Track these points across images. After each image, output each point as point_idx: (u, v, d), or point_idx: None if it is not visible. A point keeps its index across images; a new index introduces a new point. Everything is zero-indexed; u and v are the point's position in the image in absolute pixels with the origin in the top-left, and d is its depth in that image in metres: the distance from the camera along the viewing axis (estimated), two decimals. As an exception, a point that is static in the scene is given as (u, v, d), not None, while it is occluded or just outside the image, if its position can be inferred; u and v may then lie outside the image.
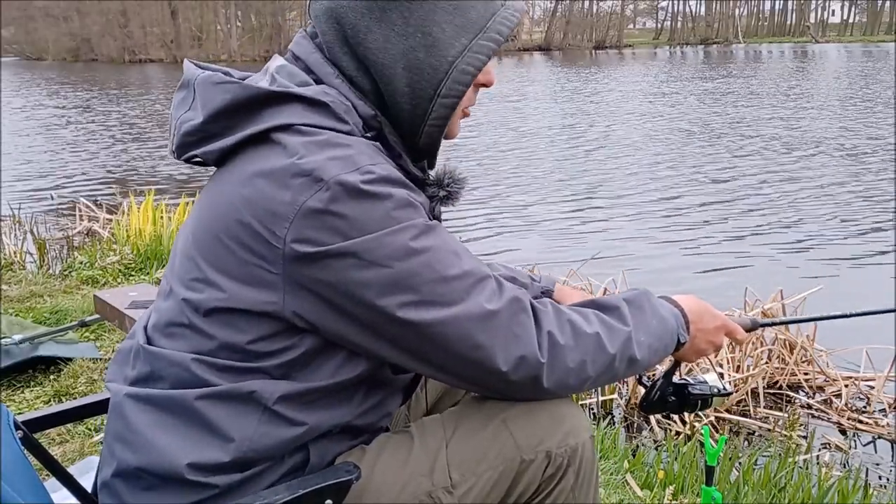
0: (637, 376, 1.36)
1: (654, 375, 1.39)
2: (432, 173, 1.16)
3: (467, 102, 1.12)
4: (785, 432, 3.19)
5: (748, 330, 1.38)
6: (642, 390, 1.39)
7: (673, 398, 1.35)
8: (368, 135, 1.05)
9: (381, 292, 0.97)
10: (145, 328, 1.11)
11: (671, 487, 2.33)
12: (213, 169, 1.10)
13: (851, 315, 1.51)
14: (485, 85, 1.12)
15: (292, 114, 1.00)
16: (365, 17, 1.03)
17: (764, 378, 3.54)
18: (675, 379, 1.37)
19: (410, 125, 1.08)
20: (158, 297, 1.12)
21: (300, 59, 1.09)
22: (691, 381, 1.37)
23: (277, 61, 1.10)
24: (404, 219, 0.97)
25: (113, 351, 3.18)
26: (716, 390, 1.37)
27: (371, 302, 0.97)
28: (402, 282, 0.97)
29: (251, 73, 1.12)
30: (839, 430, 3.31)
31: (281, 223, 0.95)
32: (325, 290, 0.97)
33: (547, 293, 1.43)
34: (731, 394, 1.42)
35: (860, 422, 3.33)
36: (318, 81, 1.06)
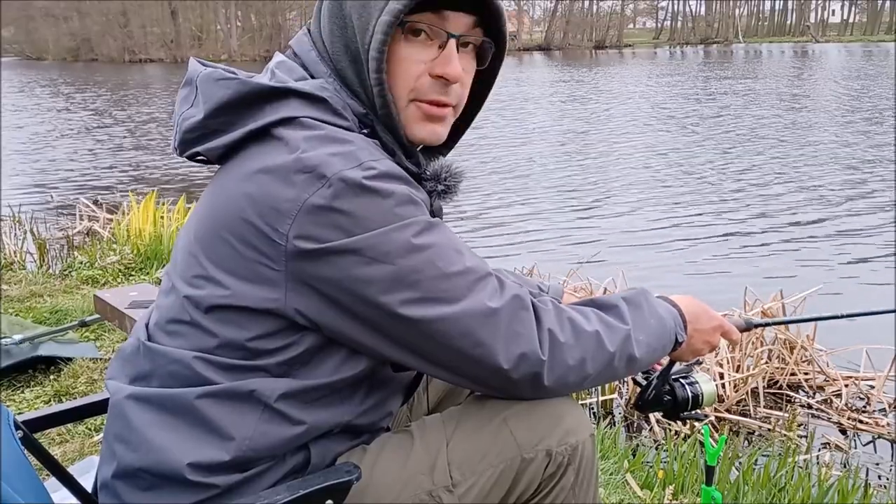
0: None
1: (648, 375, 1.40)
2: (429, 168, 1.15)
3: (419, 89, 1.07)
4: (785, 432, 3.19)
5: (742, 330, 1.39)
6: (638, 389, 1.39)
7: (668, 397, 1.36)
8: (365, 131, 1.06)
9: (384, 289, 0.97)
10: (146, 325, 1.11)
11: (671, 487, 2.33)
12: (215, 168, 1.10)
13: (844, 316, 1.51)
14: (443, 77, 1.07)
15: (292, 108, 1.01)
16: (326, 18, 1.09)
17: (764, 378, 3.54)
18: (671, 378, 1.37)
19: (385, 119, 1.07)
20: (160, 295, 1.11)
21: (299, 55, 1.11)
22: (685, 381, 1.37)
23: (278, 58, 1.12)
24: (407, 215, 0.97)
25: (113, 351, 3.18)
26: (709, 389, 1.38)
27: (373, 299, 0.97)
28: (404, 278, 0.97)
29: (255, 73, 1.13)
30: (839, 430, 3.31)
31: (283, 220, 0.95)
32: (327, 287, 0.97)
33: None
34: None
35: (860, 421, 3.33)
36: (314, 78, 1.08)
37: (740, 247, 6.33)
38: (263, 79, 1.06)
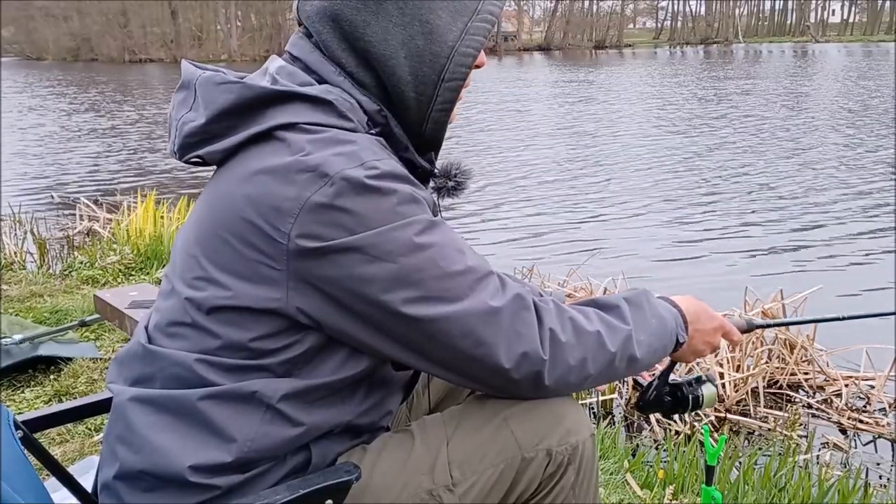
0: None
1: (649, 376, 1.40)
2: (439, 165, 1.17)
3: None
4: (785, 432, 3.19)
5: (744, 331, 1.39)
6: (639, 390, 1.39)
7: (668, 398, 1.36)
8: (374, 131, 1.06)
9: (386, 288, 0.97)
10: (146, 328, 1.11)
11: (671, 487, 2.33)
12: (212, 168, 1.10)
13: (845, 318, 1.51)
14: (477, 66, 1.13)
15: (296, 112, 1.01)
16: (361, 12, 1.04)
17: (764, 378, 3.54)
18: (671, 379, 1.37)
19: (417, 114, 1.08)
20: (159, 297, 1.11)
21: (299, 59, 1.09)
22: (685, 381, 1.38)
23: (276, 62, 1.10)
24: (409, 214, 0.97)
25: (113, 351, 3.18)
26: (709, 390, 1.38)
27: (375, 297, 0.97)
28: (406, 277, 0.97)
29: (248, 73, 1.12)
30: (839, 430, 3.31)
31: (285, 219, 0.95)
32: (328, 286, 0.97)
33: None
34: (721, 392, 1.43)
35: (860, 421, 3.33)
36: (321, 80, 1.07)
37: (741, 247, 6.32)
38: (263, 82, 1.05)
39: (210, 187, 1.08)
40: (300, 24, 1.13)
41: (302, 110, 1.01)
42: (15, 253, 5.26)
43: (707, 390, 1.36)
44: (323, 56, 1.08)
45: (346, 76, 1.07)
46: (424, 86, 1.06)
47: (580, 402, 3.29)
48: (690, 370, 3.14)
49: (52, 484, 1.15)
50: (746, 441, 3.20)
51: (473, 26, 1.07)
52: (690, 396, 1.35)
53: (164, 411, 1.02)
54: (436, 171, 1.16)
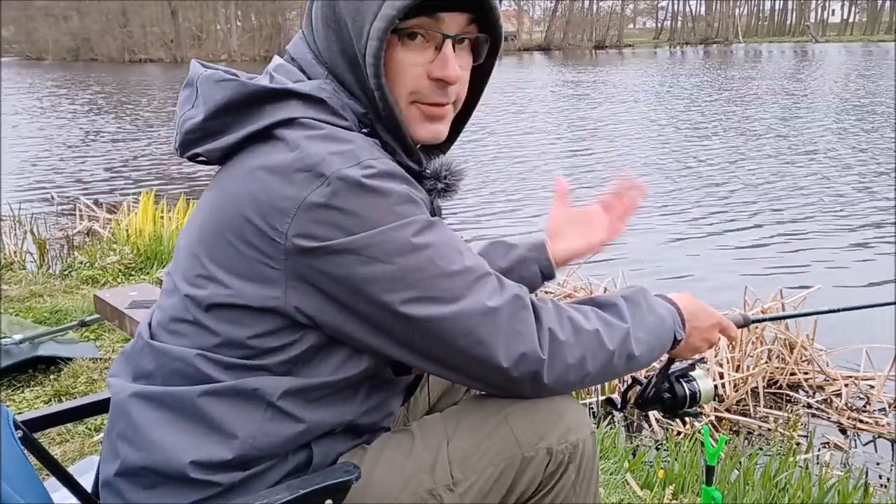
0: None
1: (647, 374, 1.41)
2: (429, 167, 1.14)
3: (419, 91, 1.06)
4: (785, 432, 3.19)
5: (740, 326, 1.41)
6: (637, 387, 1.40)
7: (667, 395, 1.37)
8: (364, 131, 1.06)
9: (384, 288, 0.97)
10: (149, 325, 1.12)
11: (671, 487, 2.33)
12: (215, 167, 1.11)
13: (841, 310, 1.52)
14: (442, 80, 1.06)
15: (292, 110, 1.01)
16: (323, 22, 1.07)
17: (764, 377, 3.54)
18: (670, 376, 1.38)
19: (376, 117, 1.07)
20: (162, 295, 1.12)
21: (295, 59, 1.11)
22: (683, 379, 1.39)
23: (276, 62, 1.12)
24: (406, 214, 0.98)
25: (113, 351, 3.18)
26: (706, 386, 1.39)
27: (373, 297, 0.97)
28: (404, 278, 0.97)
29: (255, 73, 1.13)
30: (839, 430, 3.31)
31: (283, 218, 0.95)
32: (326, 285, 0.98)
33: (545, 268, 1.42)
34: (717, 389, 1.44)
35: (860, 421, 3.33)
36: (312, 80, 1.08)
37: (740, 246, 6.32)
38: (263, 81, 1.06)
39: (212, 186, 1.09)
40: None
41: (297, 107, 1.01)
42: (15, 253, 5.26)
43: (704, 386, 1.37)
44: (314, 58, 1.09)
45: (332, 79, 1.07)
46: (364, 88, 1.05)
47: (580, 401, 3.29)
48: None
49: (52, 484, 1.15)
50: (746, 441, 3.20)
51: (375, 28, 1.00)
52: (688, 392, 1.36)
53: (165, 407, 1.02)
54: (426, 171, 1.13)
